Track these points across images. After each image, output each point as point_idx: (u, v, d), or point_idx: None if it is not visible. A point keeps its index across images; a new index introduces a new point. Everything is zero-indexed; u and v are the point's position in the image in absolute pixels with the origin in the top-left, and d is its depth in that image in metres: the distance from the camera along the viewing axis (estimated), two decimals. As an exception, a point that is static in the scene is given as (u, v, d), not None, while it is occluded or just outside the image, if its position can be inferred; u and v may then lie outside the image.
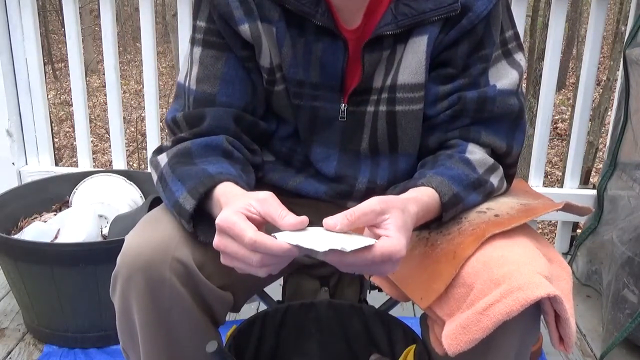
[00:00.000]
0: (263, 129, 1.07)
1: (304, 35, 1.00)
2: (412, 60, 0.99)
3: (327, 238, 0.75)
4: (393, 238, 0.77)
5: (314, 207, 1.06)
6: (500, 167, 1.03)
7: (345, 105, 1.03)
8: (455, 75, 1.01)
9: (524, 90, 1.06)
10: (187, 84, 1.05)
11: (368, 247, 0.75)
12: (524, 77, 1.07)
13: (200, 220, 0.91)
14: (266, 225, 0.81)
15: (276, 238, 0.75)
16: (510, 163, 1.06)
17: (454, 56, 1.00)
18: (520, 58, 1.05)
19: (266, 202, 0.80)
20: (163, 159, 0.99)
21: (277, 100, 1.05)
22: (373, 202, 0.79)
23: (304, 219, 0.78)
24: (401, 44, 0.99)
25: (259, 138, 1.07)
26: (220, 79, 1.02)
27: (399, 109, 1.01)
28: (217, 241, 0.79)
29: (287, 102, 1.05)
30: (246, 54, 1.02)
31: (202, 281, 0.94)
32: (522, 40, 1.13)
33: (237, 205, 0.80)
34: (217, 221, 0.79)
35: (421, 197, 0.89)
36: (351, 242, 0.74)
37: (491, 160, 1.01)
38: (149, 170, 1.03)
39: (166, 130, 1.09)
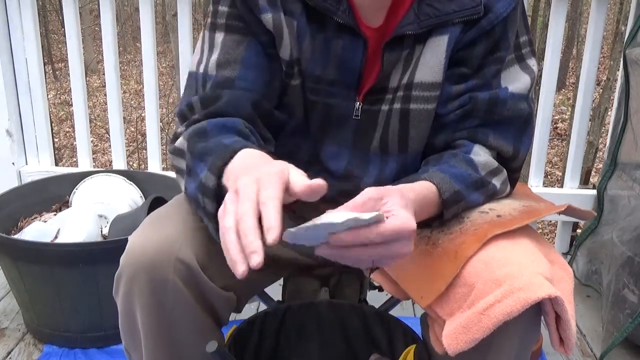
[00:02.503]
0: (277, 119, 1.05)
1: (324, 32, 0.99)
2: (431, 59, 0.99)
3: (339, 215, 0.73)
4: (400, 214, 0.76)
5: (315, 205, 1.06)
6: (504, 170, 1.03)
7: (360, 104, 1.03)
8: (469, 75, 1.01)
9: (533, 95, 1.07)
10: (204, 71, 1.01)
11: (379, 222, 0.73)
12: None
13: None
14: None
15: (292, 230, 0.72)
16: (515, 167, 1.06)
17: (470, 56, 1.00)
18: (533, 64, 1.05)
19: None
20: (182, 143, 0.95)
21: (292, 94, 1.04)
22: (369, 191, 0.78)
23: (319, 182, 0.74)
24: (420, 43, 0.99)
25: (272, 128, 1.05)
26: (240, 64, 1.00)
27: (413, 107, 1.01)
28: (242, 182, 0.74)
29: (301, 97, 1.03)
30: (268, 40, 1.00)
31: (205, 282, 0.94)
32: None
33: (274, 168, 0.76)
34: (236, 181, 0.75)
35: (419, 188, 0.89)
36: (364, 215, 0.73)
37: (495, 164, 1.01)
38: (172, 159, 0.98)
39: (177, 120, 1.04)
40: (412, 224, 0.76)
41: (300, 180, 0.74)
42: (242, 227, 0.69)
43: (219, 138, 0.90)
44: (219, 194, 0.83)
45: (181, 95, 1.09)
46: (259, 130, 1.00)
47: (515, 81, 1.02)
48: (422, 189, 0.89)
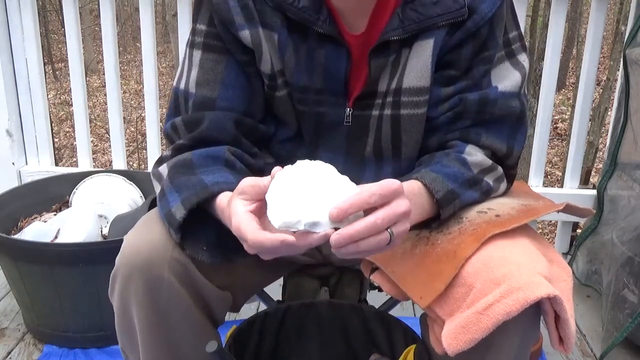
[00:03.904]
0: (262, 133, 1.06)
1: (307, 42, 0.99)
2: (418, 64, 0.99)
3: (316, 201, 0.76)
4: (385, 181, 0.78)
5: None
6: (499, 168, 1.03)
7: (350, 110, 1.03)
8: (457, 77, 1.01)
9: (526, 91, 1.06)
10: (185, 88, 1.03)
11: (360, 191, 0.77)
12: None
13: (189, 234, 0.91)
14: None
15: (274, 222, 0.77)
16: (510, 164, 1.06)
17: (458, 58, 1.00)
18: (524, 59, 1.05)
19: (249, 189, 0.81)
20: (164, 170, 0.99)
21: (279, 105, 1.05)
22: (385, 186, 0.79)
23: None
24: (406, 47, 0.99)
25: (259, 141, 1.07)
26: (220, 83, 1.02)
27: (404, 112, 1.01)
28: (245, 247, 0.81)
29: (290, 107, 1.04)
30: (246, 59, 1.02)
31: (201, 280, 0.94)
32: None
33: (240, 209, 0.80)
34: (233, 232, 0.81)
35: (407, 186, 0.89)
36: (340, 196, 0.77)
37: (489, 162, 1.01)
38: (153, 182, 1.02)
39: (165, 140, 1.08)
40: (394, 182, 0.79)
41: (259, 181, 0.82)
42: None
43: (202, 174, 0.93)
44: (184, 225, 0.89)
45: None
46: (245, 149, 1.02)
47: (505, 79, 1.02)
48: (407, 186, 0.90)
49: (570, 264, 2.17)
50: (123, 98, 3.44)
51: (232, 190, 0.88)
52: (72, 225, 1.74)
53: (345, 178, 0.80)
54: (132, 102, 10.86)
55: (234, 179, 0.93)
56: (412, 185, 0.91)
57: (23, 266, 1.63)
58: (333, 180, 0.79)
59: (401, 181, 0.91)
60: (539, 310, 0.86)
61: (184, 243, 0.91)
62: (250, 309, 1.77)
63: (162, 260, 0.90)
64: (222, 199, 0.88)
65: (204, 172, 0.94)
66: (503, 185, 1.04)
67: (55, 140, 8.82)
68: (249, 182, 0.82)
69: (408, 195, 0.82)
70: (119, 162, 2.31)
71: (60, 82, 11.52)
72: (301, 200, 0.76)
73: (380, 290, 1.02)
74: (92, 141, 3.99)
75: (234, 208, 0.81)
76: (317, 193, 0.77)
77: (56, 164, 2.40)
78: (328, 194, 0.77)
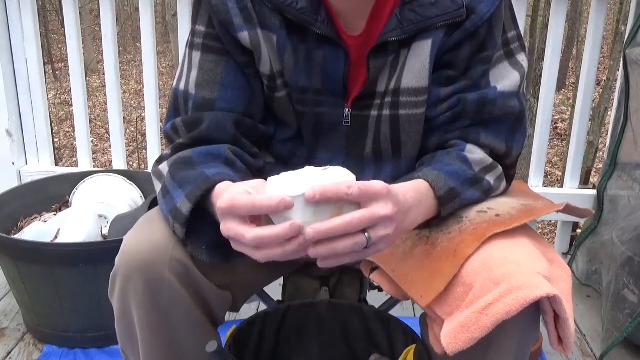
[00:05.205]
0: (262, 133, 1.07)
1: (305, 43, 0.99)
2: (416, 64, 0.99)
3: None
4: (371, 181, 0.77)
5: None
6: (499, 166, 1.03)
7: (349, 110, 1.03)
8: (456, 77, 1.01)
9: (525, 90, 1.06)
10: (185, 89, 1.03)
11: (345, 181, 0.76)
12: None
13: (192, 231, 0.91)
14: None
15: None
16: (509, 164, 1.06)
17: (456, 58, 1.00)
18: (523, 59, 1.05)
19: (258, 189, 0.81)
20: (164, 168, 0.99)
21: (279, 105, 1.05)
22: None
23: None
24: (405, 48, 0.99)
25: (258, 141, 1.07)
26: (220, 84, 1.02)
27: (403, 112, 1.01)
28: (222, 227, 0.78)
29: (290, 107, 1.04)
30: (246, 60, 1.02)
31: (201, 280, 0.94)
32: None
33: (234, 189, 0.80)
34: (217, 206, 0.78)
35: (415, 186, 0.89)
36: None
37: (489, 161, 1.01)
38: (153, 180, 1.02)
39: (165, 140, 1.07)
40: (380, 184, 0.77)
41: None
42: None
43: (203, 168, 0.93)
44: (189, 221, 0.88)
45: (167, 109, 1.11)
46: (245, 149, 1.02)
47: (504, 79, 1.02)
48: (414, 184, 0.90)
49: (570, 264, 2.17)
50: (123, 98, 3.44)
51: (232, 181, 0.87)
52: (72, 225, 1.74)
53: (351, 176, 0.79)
54: (132, 102, 10.87)
55: (234, 175, 0.93)
56: (420, 185, 0.91)
57: (23, 266, 1.63)
58: (336, 174, 0.78)
59: (404, 181, 0.92)
60: (539, 310, 0.86)
61: (186, 240, 0.91)
62: (250, 309, 1.77)
63: (162, 260, 0.90)
64: (221, 187, 0.87)
65: (205, 167, 0.94)
66: (503, 185, 1.05)
67: (55, 140, 8.83)
68: (259, 182, 0.82)
69: (416, 196, 0.83)
70: (119, 162, 2.31)
71: (60, 82, 11.53)
72: (298, 181, 0.76)
73: (380, 290, 1.02)
74: (92, 141, 3.99)
75: (230, 189, 0.81)
76: (314, 178, 0.76)
77: (56, 164, 2.40)
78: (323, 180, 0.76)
